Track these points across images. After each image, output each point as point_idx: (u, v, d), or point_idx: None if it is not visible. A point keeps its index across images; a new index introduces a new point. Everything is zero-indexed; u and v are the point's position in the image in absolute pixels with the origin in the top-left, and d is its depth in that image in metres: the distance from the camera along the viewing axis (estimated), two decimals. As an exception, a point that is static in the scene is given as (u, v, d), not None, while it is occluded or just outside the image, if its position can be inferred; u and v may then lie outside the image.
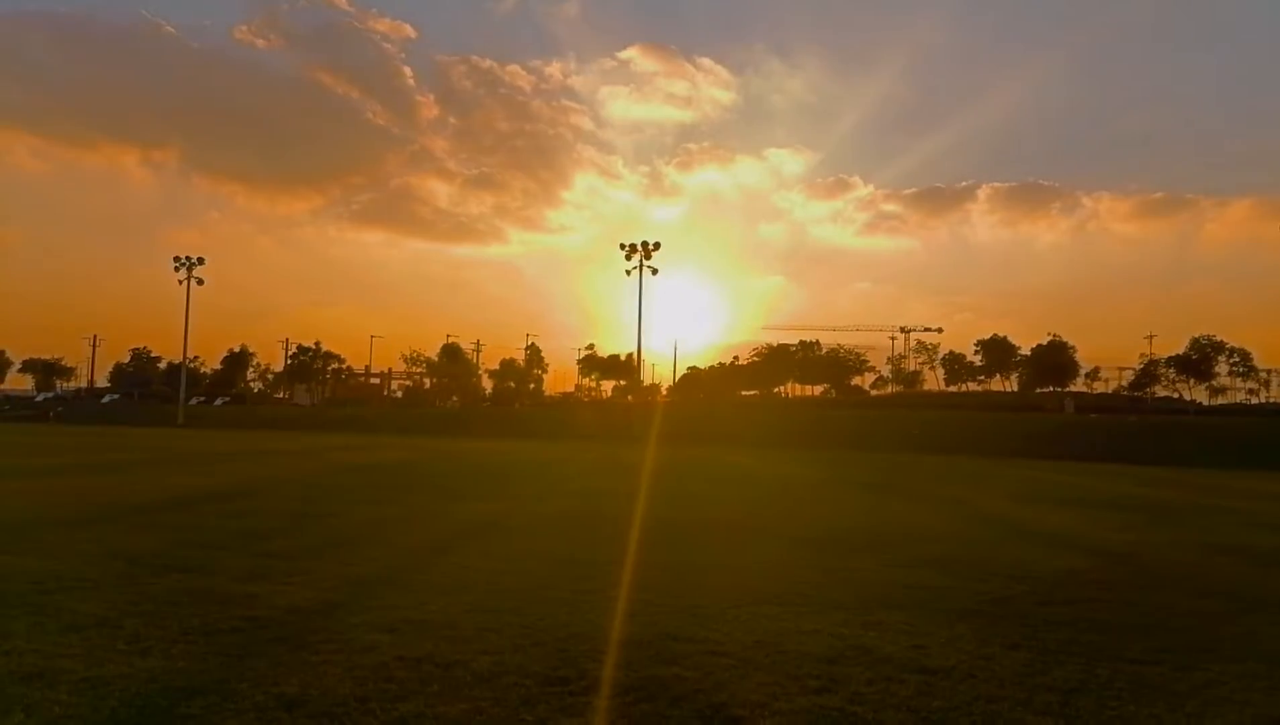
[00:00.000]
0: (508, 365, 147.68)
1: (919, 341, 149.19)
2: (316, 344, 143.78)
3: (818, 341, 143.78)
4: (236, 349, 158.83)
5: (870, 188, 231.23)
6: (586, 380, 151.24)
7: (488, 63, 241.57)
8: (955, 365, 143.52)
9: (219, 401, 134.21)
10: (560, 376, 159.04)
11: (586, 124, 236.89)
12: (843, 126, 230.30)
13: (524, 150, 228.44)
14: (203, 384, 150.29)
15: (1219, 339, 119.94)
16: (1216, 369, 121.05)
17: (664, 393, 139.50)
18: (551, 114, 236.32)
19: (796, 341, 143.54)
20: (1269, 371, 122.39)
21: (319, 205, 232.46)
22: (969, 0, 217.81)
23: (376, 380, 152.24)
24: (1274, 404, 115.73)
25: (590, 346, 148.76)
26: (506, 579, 10.56)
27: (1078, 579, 11.69)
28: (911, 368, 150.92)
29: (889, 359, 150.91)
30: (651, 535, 15.07)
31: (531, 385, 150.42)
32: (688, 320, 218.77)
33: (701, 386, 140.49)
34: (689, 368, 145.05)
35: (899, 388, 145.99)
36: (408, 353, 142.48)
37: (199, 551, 12.05)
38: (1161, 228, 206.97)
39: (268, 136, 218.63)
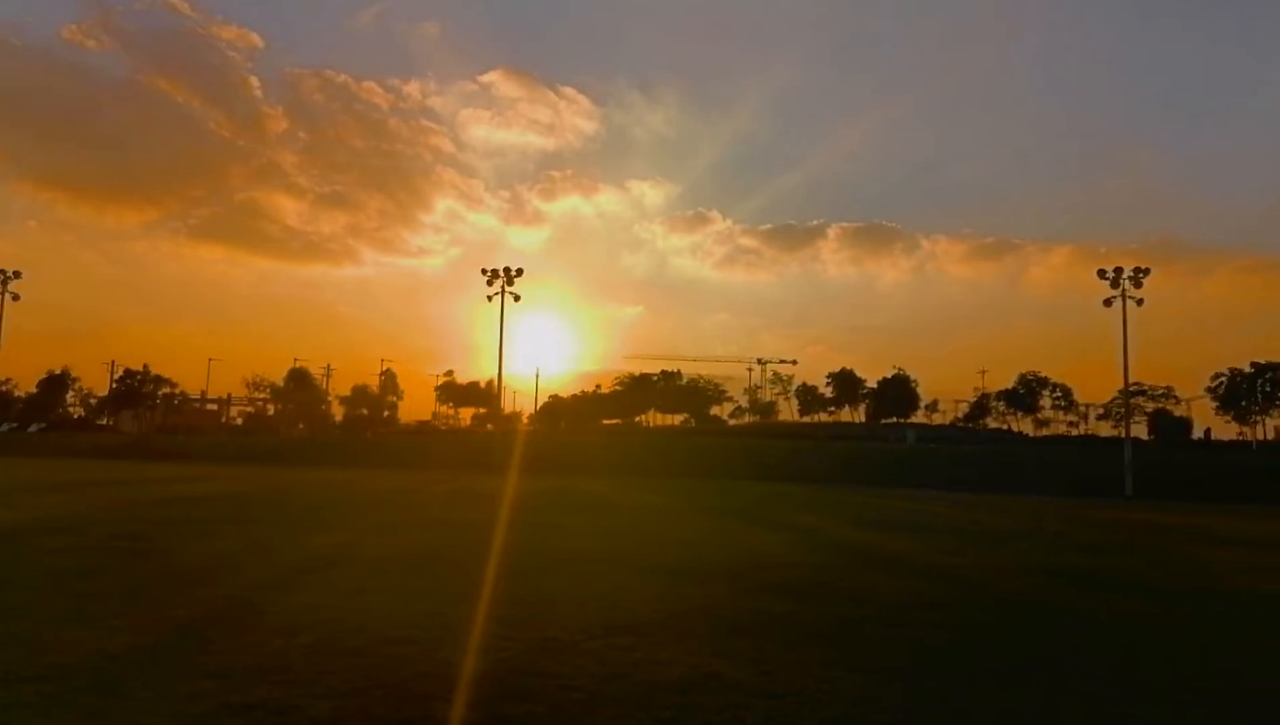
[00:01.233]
0: (360, 391, 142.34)
1: (775, 373, 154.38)
2: (145, 367, 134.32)
3: (678, 371, 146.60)
4: (56, 371, 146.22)
5: (728, 222, 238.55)
6: (444, 408, 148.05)
7: (342, 77, 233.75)
8: (808, 396, 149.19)
9: (33, 428, 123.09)
10: (417, 404, 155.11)
11: (446, 146, 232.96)
12: (701, 162, 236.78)
13: (380, 169, 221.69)
14: (15, 409, 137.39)
15: (1043, 375, 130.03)
16: (1041, 402, 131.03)
17: (525, 421, 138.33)
18: (410, 134, 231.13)
19: (658, 371, 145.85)
20: (1087, 406, 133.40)
21: (153, 218, 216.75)
22: (822, 45, 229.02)
23: (214, 406, 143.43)
24: (1092, 436, 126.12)
25: (449, 373, 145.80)
26: (350, 617, 10.07)
27: (916, 601, 12.26)
28: (767, 398, 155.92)
29: (746, 390, 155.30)
30: (506, 567, 14.78)
31: (386, 413, 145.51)
32: (550, 348, 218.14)
33: (563, 415, 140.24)
34: (551, 396, 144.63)
35: (755, 418, 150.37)
36: (250, 377, 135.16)
37: (7, 593, 10.91)
38: (993, 270, 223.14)
39: (95, 142, 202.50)
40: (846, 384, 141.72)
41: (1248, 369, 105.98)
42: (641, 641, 9.09)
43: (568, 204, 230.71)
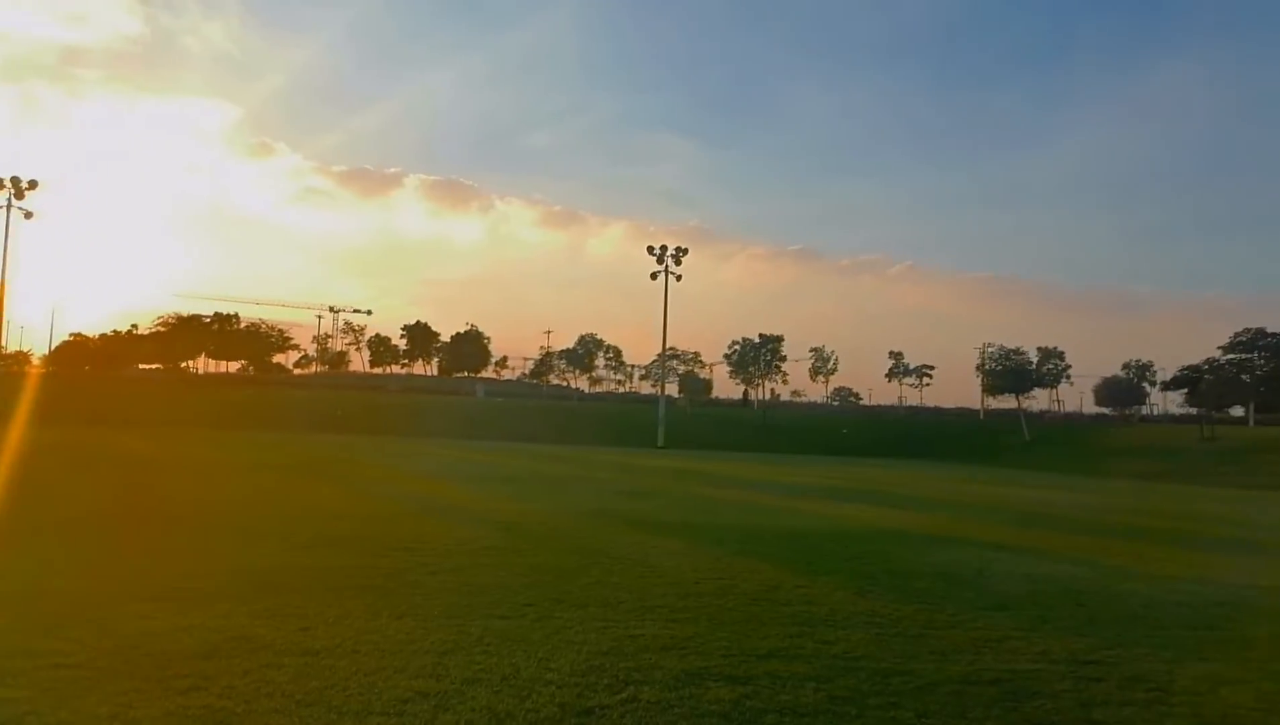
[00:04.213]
0: None
1: (347, 322, 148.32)
2: None
3: (237, 314, 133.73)
4: None
5: (298, 157, 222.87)
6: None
7: None
8: (381, 348, 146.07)
9: None
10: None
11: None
12: (268, 87, 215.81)
13: None
14: None
15: (600, 337, 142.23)
16: (597, 362, 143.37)
17: (35, 363, 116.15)
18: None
19: (213, 313, 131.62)
20: (634, 366, 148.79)
21: None
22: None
23: None
24: (636, 393, 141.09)
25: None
26: None
27: (467, 547, 12.71)
28: (338, 348, 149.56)
29: (315, 338, 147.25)
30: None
31: None
32: (78, 282, 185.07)
33: (89, 357, 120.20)
34: (72, 335, 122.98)
35: (324, 368, 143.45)
36: None
37: None
38: (560, 236, 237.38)
39: None
40: (421, 337, 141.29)
41: (756, 339, 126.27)
42: (162, 608, 8.20)
43: (100, 112, 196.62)
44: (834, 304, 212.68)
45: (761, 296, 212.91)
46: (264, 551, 11.76)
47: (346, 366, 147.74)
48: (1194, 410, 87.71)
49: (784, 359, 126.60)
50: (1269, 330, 69.86)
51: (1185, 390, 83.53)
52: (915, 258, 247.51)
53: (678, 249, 77.58)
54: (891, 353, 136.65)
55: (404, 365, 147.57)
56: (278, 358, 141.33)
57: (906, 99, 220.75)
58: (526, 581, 10.32)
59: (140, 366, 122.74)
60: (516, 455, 44.25)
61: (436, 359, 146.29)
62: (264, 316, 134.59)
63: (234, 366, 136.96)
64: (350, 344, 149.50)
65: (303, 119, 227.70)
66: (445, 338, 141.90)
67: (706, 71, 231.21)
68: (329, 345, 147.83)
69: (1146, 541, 18.70)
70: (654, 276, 77.41)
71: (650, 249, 77.92)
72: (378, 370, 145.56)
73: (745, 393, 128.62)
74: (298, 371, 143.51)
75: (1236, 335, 71.22)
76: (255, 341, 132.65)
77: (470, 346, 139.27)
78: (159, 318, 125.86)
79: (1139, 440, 79.69)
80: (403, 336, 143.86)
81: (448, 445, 52.53)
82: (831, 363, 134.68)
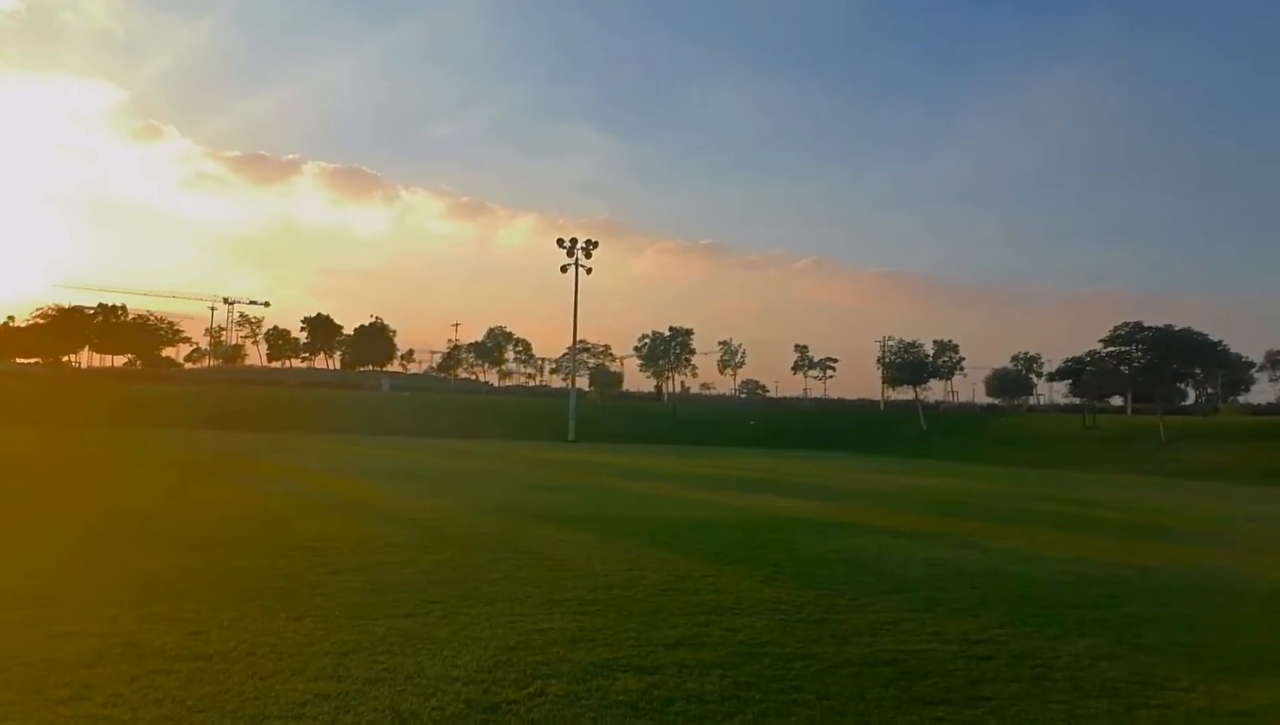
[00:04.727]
0: None
1: (242, 314, 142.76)
2: None
3: (124, 306, 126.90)
4: None
5: (188, 142, 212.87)
6: None
7: None
8: (279, 341, 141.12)
9: None
10: None
11: None
12: (155, 68, 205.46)
13: None
14: None
15: (509, 330, 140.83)
16: (506, 355, 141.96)
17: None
18: None
19: (96, 304, 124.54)
20: (544, 359, 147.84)
21: None
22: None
23: None
24: (546, 386, 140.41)
25: None
26: None
27: (370, 545, 12.42)
28: (233, 341, 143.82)
29: (208, 331, 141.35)
30: None
31: None
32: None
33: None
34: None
35: (219, 362, 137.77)
36: None
37: None
38: (468, 228, 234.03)
39: None
40: (322, 330, 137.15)
41: (666, 332, 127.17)
42: (44, 615, 7.75)
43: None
44: (742, 298, 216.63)
45: (671, 290, 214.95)
46: (154, 554, 11.23)
47: (243, 360, 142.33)
48: (1077, 400, 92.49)
49: (693, 352, 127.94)
50: (1146, 324, 73.93)
51: (1069, 381, 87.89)
52: (820, 253, 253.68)
53: (588, 242, 77.48)
54: (797, 346, 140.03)
55: (304, 359, 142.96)
56: (168, 351, 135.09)
57: (814, 101, 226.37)
58: (432, 579, 10.15)
59: (17, 361, 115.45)
60: (423, 450, 43.44)
61: (339, 352, 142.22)
62: (153, 308, 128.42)
63: (120, 361, 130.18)
64: (246, 337, 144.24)
65: (192, 102, 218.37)
66: (348, 330, 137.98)
67: (618, 65, 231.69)
68: (223, 338, 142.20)
69: (1033, 525, 19.65)
70: (564, 269, 77.13)
71: (560, 241, 77.62)
72: (276, 364, 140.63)
73: (660, 386, 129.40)
74: (190, 366, 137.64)
75: (1116, 329, 75.05)
76: (143, 334, 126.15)
77: (375, 339, 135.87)
78: (37, 309, 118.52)
79: (1027, 429, 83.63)
80: (303, 329, 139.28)
81: (351, 441, 51.19)
82: (740, 356, 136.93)
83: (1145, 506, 27.35)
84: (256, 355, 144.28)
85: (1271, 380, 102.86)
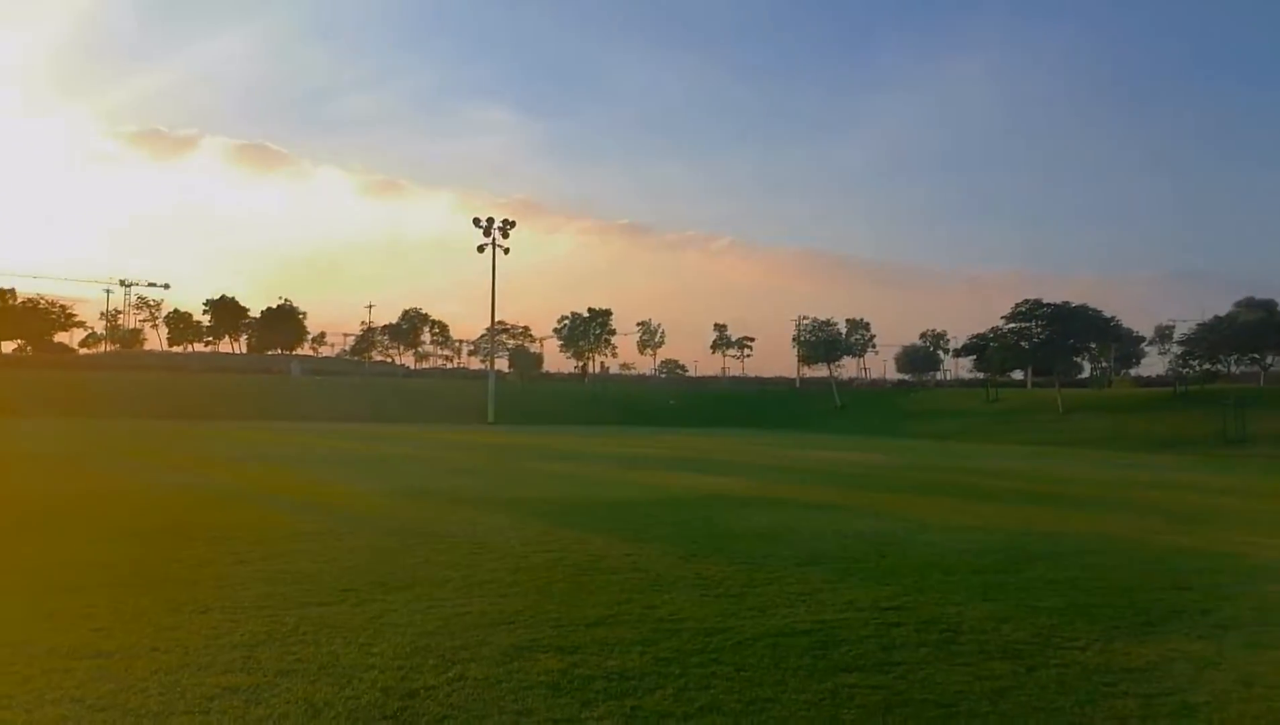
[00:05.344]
0: None
1: (141, 298, 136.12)
2: None
3: (13, 289, 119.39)
4: None
5: (79, 116, 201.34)
6: None
7: None
8: (181, 325, 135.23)
9: None
10: None
11: None
12: (40, 38, 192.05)
13: None
14: None
15: (425, 312, 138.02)
16: (422, 337, 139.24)
17: None
18: None
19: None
20: (462, 342, 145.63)
21: None
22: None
23: None
24: (465, 368, 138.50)
25: None
26: None
27: (280, 534, 12.06)
28: (131, 326, 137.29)
29: (104, 315, 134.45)
30: None
31: None
32: None
33: None
34: None
35: (115, 347, 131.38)
36: None
37: None
38: (381, 207, 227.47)
39: None
40: (227, 313, 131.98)
41: (585, 313, 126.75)
42: (-79, 618, 7.29)
43: None
44: (661, 278, 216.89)
45: (590, 270, 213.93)
46: (50, 547, 10.69)
47: (141, 345, 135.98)
48: (981, 375, 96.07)
49: (613, 332, 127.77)
50: (1045, 301, 77.24)
51: (974, 357, 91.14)
52: (737, 233, 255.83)
53: (505, 221, 76.54)
54: (716, 325, 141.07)
55: (208, 343, 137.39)
56: (60, 337, 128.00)
57: (729, 80, 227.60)
58: (346, 566, 9.93)
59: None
60: (337, 436, 42.43)
61: (245, 336, 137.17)
62: (43, 291, 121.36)
63: (9, 347, 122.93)
64: (146, 321, 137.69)
65: (84, 75, 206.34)
66: (255, 313, 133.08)
67: (533, 44, 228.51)
68: (120, 322, 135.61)
69: (941, 495, 20.39)
70: (481, 249, 76.04)
71: (477, 221, 76.46)
72: (177, 349, 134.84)
73: (584, 367, 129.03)
74: (84, 351, 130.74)
75: (1017, 306, 78.12)
76: (33, 319, 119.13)
77: (283, 322, 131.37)
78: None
79: (935, 404, 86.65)
80: (206, 312, 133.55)
81: (261, 428, 49.65)
82: (659, 336, 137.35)
83: (1044, 475, 28.66)
84: (157, 340, 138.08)
85: (1160, 353, 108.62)
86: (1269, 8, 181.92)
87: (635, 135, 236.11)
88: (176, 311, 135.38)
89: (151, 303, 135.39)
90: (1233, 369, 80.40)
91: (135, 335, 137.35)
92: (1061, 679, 6.43)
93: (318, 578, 9.24)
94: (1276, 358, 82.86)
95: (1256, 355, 79.52)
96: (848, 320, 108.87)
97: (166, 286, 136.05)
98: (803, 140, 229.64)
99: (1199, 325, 78.73)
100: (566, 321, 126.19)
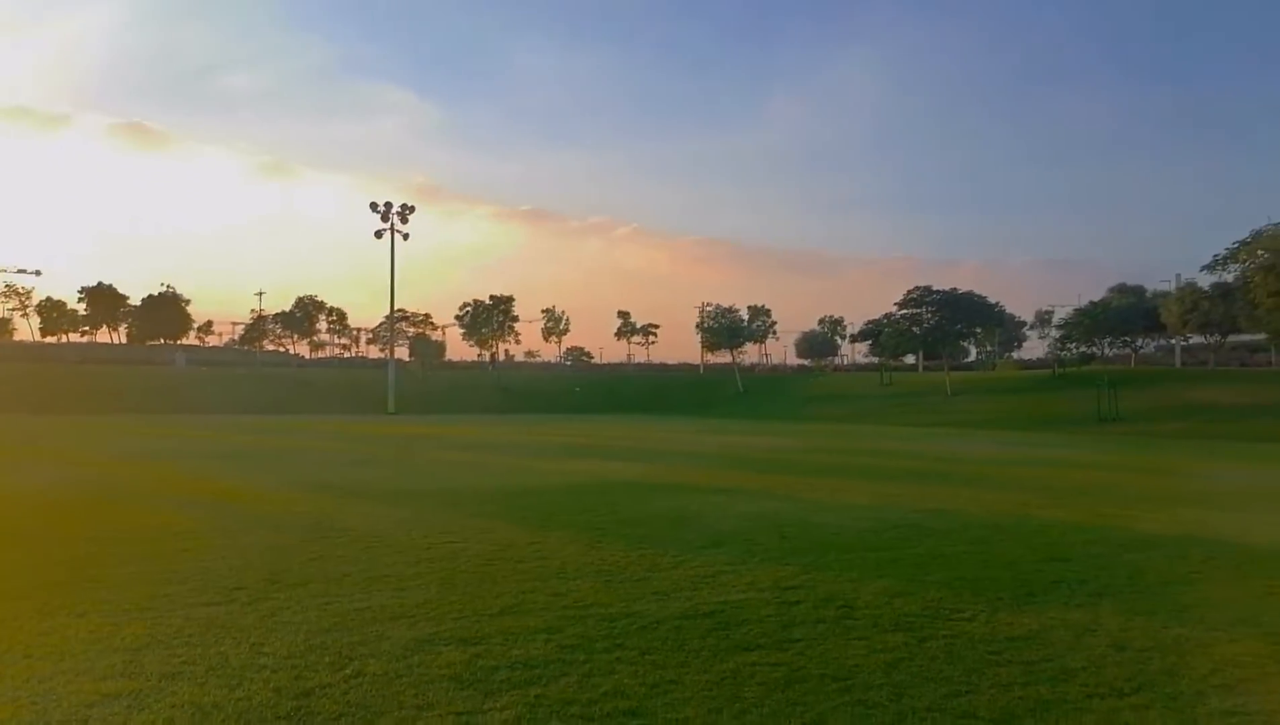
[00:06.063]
0: None
1: (9, 285, 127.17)
2: None
3: None
4: None
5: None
6: None
7: None
8: (54, 313, 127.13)
9: None
10: None
11: None
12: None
13: None
14: None
15: (320, 299, 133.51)
16: (318, 326, 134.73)
17: None
18: None
19: None
20: (359, 329, 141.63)
21: None
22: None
23: None
24: (363, 357, 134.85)
25: None
26: None
27: (163, 533, 11.50)
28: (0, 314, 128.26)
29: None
30: None
31: None
32: None
33: None
34: None
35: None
36: None
37: None
38: (272, 190, 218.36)
39: None
40: (105, 300, 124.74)
41: (487, 300, 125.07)
42: None
43: None
44: (564, 265, 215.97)
45: (492, 257, 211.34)
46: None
47: (10, 335, 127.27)
48: (876, 359, 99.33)
49: (516, 320, 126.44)
50: (935, 287, 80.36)
51: (869, 342, 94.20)
52: (638, 221, 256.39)
53: (404, 206, 74.56)
54: (620, 312, 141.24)
55: (84, 333, 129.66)
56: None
57: (631, 68, 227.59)
58: (236, 564, 9.54)
59: None
60: (227, 429, 40.75)
61: (125, 325, 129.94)
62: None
63: None
64: (15, 310, 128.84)
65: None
66: (135, 301, 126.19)
67: (431, 23, 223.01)
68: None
69: (838, 477, 21.01)
70: (379, 235, 73.97)
71: (374, 206, 74.22)
72: (50, 339, 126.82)
73: (491, 355, 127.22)
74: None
75: (908, 293, 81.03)
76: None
77: (166, 310, 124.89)
78: None
79: (833, 388, 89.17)
80: (81, 300, 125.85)
81: (143, 421, 47.26)
82: (563, 323, 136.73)
83: (934, 455, 29.86)
84: (27, 330, 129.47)
85: (1040, 337, 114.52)
86: (1145, 3, 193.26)
87: (538, 121, 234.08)
88: (49, 299, 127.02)
89: (21, 291, 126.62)
90: (1106, 351, 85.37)
91: (4, 325, 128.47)
92: (950, 649, 6.71)
93: (206, 577, 8.86)
94: (1146, 340, 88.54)
95: (1128, 338, 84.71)
96: (749, 307, 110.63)
97: (38, 273, 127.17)
98: (704, 130, 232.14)
99: (1075, 310, 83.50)
100: (469, 309, 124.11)
